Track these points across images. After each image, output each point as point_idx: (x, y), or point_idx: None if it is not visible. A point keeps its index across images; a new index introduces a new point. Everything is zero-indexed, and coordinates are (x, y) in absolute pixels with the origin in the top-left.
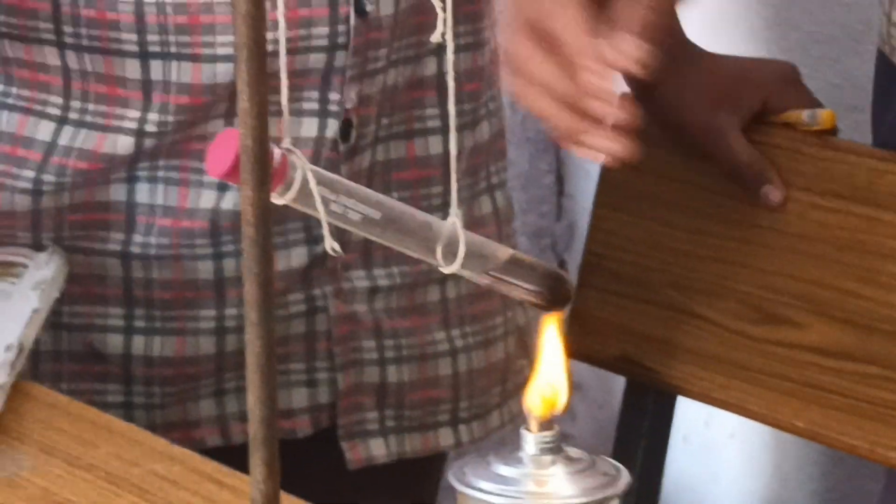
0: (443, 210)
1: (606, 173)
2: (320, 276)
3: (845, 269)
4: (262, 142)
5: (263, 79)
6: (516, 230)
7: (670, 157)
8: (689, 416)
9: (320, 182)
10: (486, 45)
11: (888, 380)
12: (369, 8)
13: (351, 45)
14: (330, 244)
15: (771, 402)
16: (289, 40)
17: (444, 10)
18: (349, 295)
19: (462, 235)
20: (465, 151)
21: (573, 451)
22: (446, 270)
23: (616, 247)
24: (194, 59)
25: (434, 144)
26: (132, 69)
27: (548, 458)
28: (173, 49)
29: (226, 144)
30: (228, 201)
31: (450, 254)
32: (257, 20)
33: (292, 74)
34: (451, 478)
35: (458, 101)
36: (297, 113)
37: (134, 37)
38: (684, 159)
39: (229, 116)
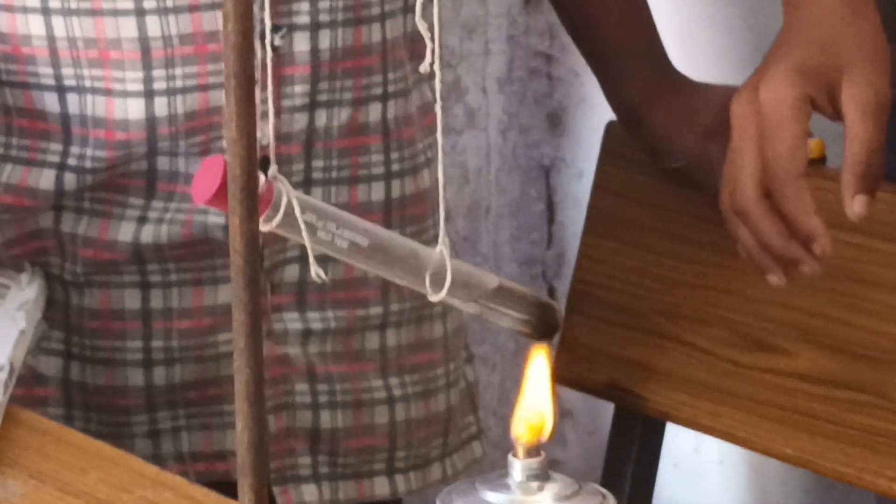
0: None
1: (596, 202)
2: None
3: (834, 296)
4: (250, 171)
5: (252, 109)
6: (506, 257)
7: (659, 186)
8: (679, 442)
9: (307, 209)
10: (412, 92)
11: (877, 407)
12: (277, 42)
13: (259, 79)
14: (315, 270)
15: (760, 429)
16: (198, 76)
17: (433, 40)
18: (281, 336)
19: (449, 264)
20: (406, 199)
21: (560, 478)
22: (434, 298)
23: (605, 274)
24: (107, 93)
25: (377, 191)
26: (51, 103)
27: (535, 484)
28: (87, 83)
29: (211, 171)
30: (147, 234)
31: (437, 282)
32: (245, 51)
33: (210, 112)
34: (439, 503)
35: (398, 148)
36: (220, 150)
37: (49, 70)
38: (673, 187)
39: (151, 155)
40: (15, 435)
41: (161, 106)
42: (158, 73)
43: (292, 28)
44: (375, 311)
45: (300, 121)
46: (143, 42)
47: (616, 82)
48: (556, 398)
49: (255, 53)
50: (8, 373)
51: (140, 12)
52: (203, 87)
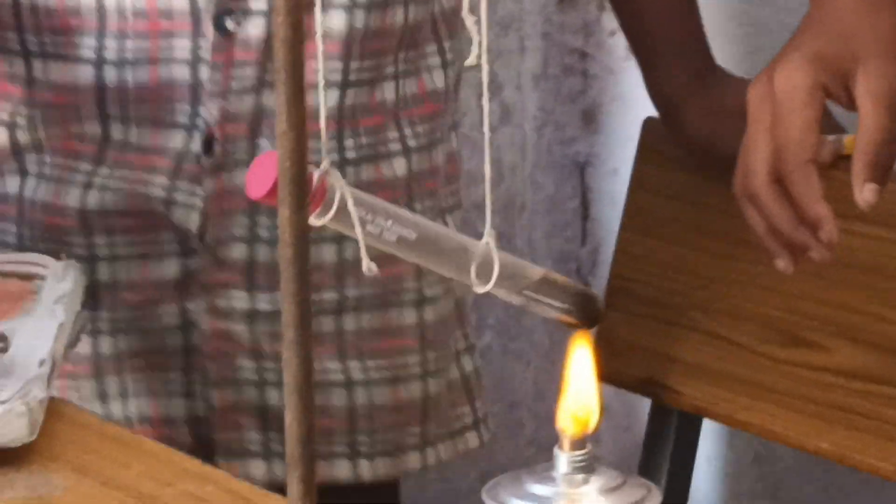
0: (335, 241)
1: (633, 198)
2: (197, 292)
3: (871, 292)
4: (300, 164)
5: (301, 101)
6: (541, 254)
7: (696, 182)
8: (713, 437)
9: (358, 203)
10: (386, 83)
11: None
12: (230, 26)
13: (210, 60)
14: (367, 265)
15: (795, 424)
16: (149, 50)
17: (480, 33)
18: (224, 313)
19: (496, 256)
20: (373, 184)
21: (605, 470)
22: (480, 290)
23: (642, 270)
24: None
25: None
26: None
27: (580, 476)
28: (50, 49)
29: (265, 167)
30: (93, 200)
31: (484, 274)
32: (295, 44)
33: (161, 85)
34: (485, 496)
35: (353, 135)
36: (170, 125)
37: (32, 37)
38: (710, 184)
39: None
40: (57, 429)
41: (111, 75)
42: (109, 42)
43: (247, 13)
44: (329, 296)
45: (248, 102)
46: (101, 12)
47: (658, 74)
48: (602, 389)
49: (201, 34)
50: (50, 367)
51: None
52: (152, 61)
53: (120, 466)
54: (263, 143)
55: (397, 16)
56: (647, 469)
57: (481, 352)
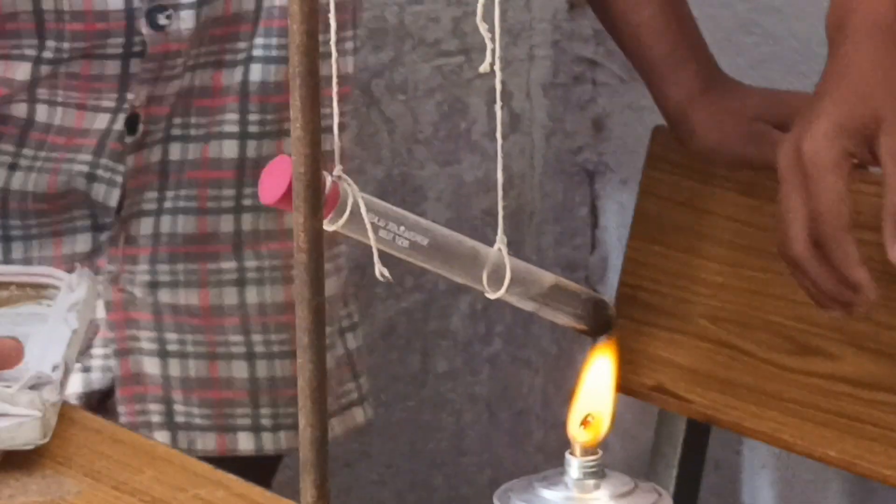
0: (234, 212)
1: (642, 206)
2: (104, 265)
3: (879, 301)
4: (314, 169)
5: (316, 107)
6: (550, 262)
7: (705, 190)
8: (722, 445)
9: (370, 209)
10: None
11: None
12: (163, 22)
13: (147, 54)
14: (379, 270)
15: (804, 432)
16: (84, 49)
17: (493, 39)
18: (127, 283)
19: (507, 262)
20: (262, 160)
21: (616, 476)
22: (492, 296)
23: (650, 278)
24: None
25: (228, 148)
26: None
27: (591, 482)
28: None
29: (278, 172)
30: (17, 181)
31: (496, 279)
32: (311, 50)
33: (91, 77)
34: (497, 501)
35: (260, 111)
36: (95, 109)
37: None
38: (718, 192)
39: (31, 101)
40: (70, 434)
41: (46, 70)
42: (49, 43)
43: (178, 7)
44: (228, 265)
45: (174, 86)
46: (38, 15)
47: (663, 82)
48: (617, 396)
49: (135, 32)
50: (63, 372)
51: None
52: (87, 56)
53: (132, 471)
54: (177, 120)
55: None
56: (655, 476)
57: (489, 360)
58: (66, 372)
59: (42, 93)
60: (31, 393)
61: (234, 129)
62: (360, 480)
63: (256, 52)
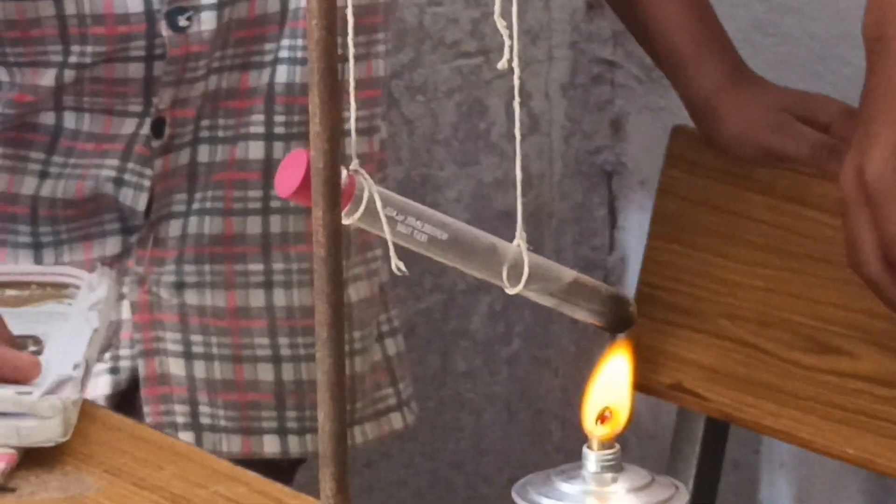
0: (261, 214)
1: (661, 205)
2: (132, 267)
3: None
4: (333, 164)
5: (335, 102)
6: (569, 262)
7: (724, 189)
8: (740, 444)
9: (388, 204)
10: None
11: None
12: (184, 24)
13: (168, 56)
14: (396, 264)
15: (822, 431)
16: (107, 53)
17: (511, 37)
18: (153, 285)
19: (527, 258)
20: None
21: (634, 469)
22: (511, 291)
23: (669, 277)
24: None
25: (255, 149)
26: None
27: (609, 475)
28: (10, 59)
29: (294, 165)
30: (47, 189)
31: (515, 275)
32: (330, 45)
33: (116, 82)
34: (515, 495)
35: (286, 112)
36: (122, 114)
37: None
38: (737, 191)
39: (58, 109)
40: (90, 431)
41: (69, 76)
42: (73, 48)
43: (198, 9)
44: (255, 267)
45: (198, 88)
46: (61, 20)
47: (690, 74)
48: (634, 393)
49: (156, 34)
50: (84, 370)
51: None
52: (110, 61)
53: (152, 468)
54: (205, 122)
55: None
56: (674, 475)
57: (509, 360)
58: (87, 370)
59: (68, 100)
60: (52, 398)
61: (261, 130)
62: (380, 480)
63: (283, 54)
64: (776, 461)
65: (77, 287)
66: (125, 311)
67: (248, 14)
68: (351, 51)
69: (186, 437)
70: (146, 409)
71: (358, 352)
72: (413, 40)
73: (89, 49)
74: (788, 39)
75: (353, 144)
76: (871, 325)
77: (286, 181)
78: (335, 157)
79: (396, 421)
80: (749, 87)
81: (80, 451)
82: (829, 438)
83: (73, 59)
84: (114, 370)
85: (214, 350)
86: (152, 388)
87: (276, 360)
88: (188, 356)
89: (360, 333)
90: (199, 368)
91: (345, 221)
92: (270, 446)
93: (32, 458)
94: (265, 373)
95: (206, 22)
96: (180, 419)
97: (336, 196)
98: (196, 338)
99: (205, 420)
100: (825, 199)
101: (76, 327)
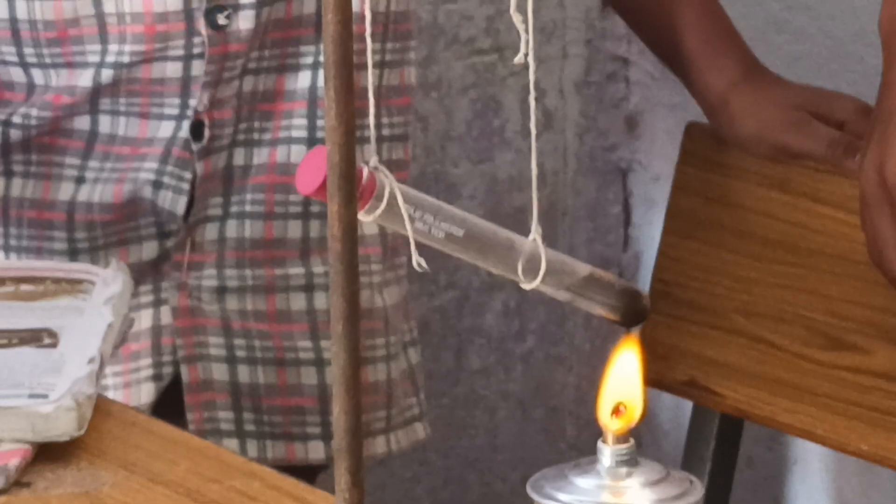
0: (301, 218)
1: (675, 202)
2: (170, 272)
3: None
4: (349, 159)
5: (350, 97)
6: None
7: (738, 186)
8: (755, 440)
9: (407, 200)
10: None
11: None
12: (223, 22)
13: (207, 55)
14: (416, 260)
15: (836, 427)
16: (146, 52)
17: (527, 31)
18: (194, 290)
19: (543, 252)
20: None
21: (649, 464)
22: (527, 286)
23: (684, 274)
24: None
25: (297, 154)
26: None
27: (624, 469)
28: (48, 60)
29: (315, 163)
30: (83, 193)
31: (531, 270)
32: (345, 40)
33: (153, 82)
34: (530, 489)
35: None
36: (159, 116)
37: (13, 49)
38: (751, 188)
39: (94, 112)
40: (105, 426)
41: (107, 76)
42: (111, 47)
43: (237, 7)
44: (295, 271)
45: (233, 87)
46: (100, 18)
47: (702, 71)
48: (647, 387)
49: (195, 33)
50: (98, 365)
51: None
52: (148, 61)
53: (167, 463)
54: (242, 125)
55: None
56: (688, 471)
57: (523, 358)
58: (102, 365)
59: (105, 103)
60: (66, 399)
61: (303, 134)
62: (393, 477)
63: (321, 58)
64: (790, 458)
65: (92, 283)
66: (165, 317)
67: (286, 15)
68: (369, 48)
69: (230, 443)
70: (189, 416)
71: (393, 357)
72: (427, 37)
73: (127, 48)
74: (804, 37)
75: (371, 141)
76: (886, 321)
77: (308, 179)
78: (351, 151)
79: (420, 431)
80: (763, 85)
81: (95, 446)
82: (843, 435)
83: (110, 58)
84: (157, 377)
85: (258, 354)
86: (196, 394)
87: (319, 363)
88: (231, 361)
89: (394, 339)
90: (243, 373)
91: (366, 219)
92: (315, 452)
93: (47, 454)
94: (308, 377)
95: (245, 20)
96: (224, 426)
97: (352, 190)
98: (239, 342)
99: (249, 426)
100: (840, 195)
101: (91, 322)
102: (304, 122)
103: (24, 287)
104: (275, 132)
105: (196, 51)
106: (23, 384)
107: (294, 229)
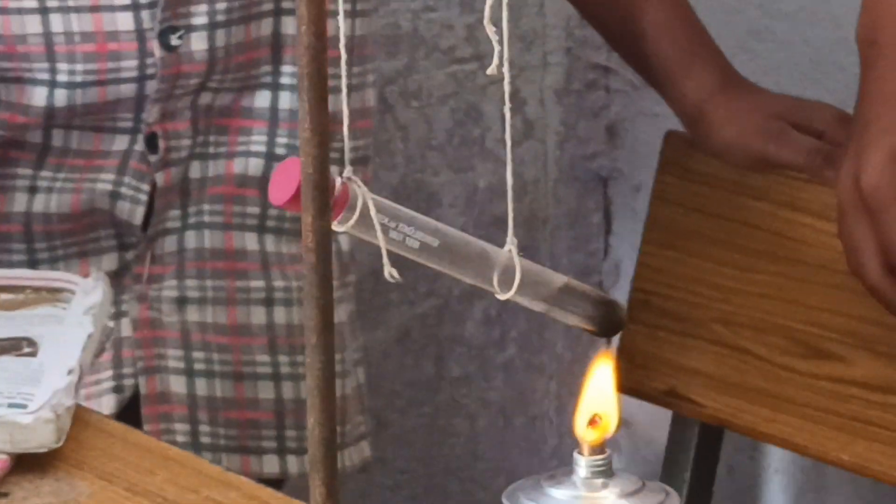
0: (258, 231)
1: (655, 211)
2: (130, 284)
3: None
4: (322, 170)
5: (324, 108)
6: (563, 268)
7: (718, 195)
8: (735, 449)
9: (380, 210)
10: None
11: None
12: (175, 42)
13: (159, 75)
14: (389, 271)
15: (817, 436)
16: (98, 72)
17: (501, 43)
18: (154, 302)
19: (518, 264)
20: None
21: (624, 475)
22: (502, 297)
23: (663, 283)
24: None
25: (254, 167)
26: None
27: (599, 481)
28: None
29: (288, 174)
30: (39, 203)
31: (506, 281)
32: (319, 51)
33: (107, 104)
34: (505, 500)
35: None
36: (112, 130)
37: None
38: (731, 197)
39: (47, 128)
40: (83, 436)
41: (60, 97)
42: (61, 66)
43: (190, 28)
44: (256, 284)
45: (186, 101)
46: (47, 37)
47: (678, 81)
48: (621, 395)
49: (147, 53)
50: (77, 376)
51: (44, 10)
52: (100, 82)
53: (145, 473)
54: (199, 139)
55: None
56: (668, 481)
57: (504, 366)
58: (81, 376)
59: (58, 119)
60: (44, 411)
61: (262, 149)
62: (374, 486)
63: (284, 80)
64: (771, 467)
65: (72, 292)
66: (126, 329)
67: (245, 37)
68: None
69: None
70: (146, 427)
71: (346, 374)
72: (407, 46)
73: (79, 67)
74: (784, 45)
75: (346, 151)
76: (865, 330)
77: (280, 190)
78: (325, 162)
79: (366, 449)
80: (741, 94)
81: (73, 456)
82: (823, 444)
83: (62, 77)
84: (118, 388)
85: (216, 367)
86: (153, 405)
87: (277, 377)
88: (189, 373)
89: (346, 356)
90: (201, 386)
91: (338, 229)
92: (270, 466)
93: (25, 464)
94: (265, 391)
95: (198, 41)
96: (180, 438)
97: (326, 201)
98: (198, 354)
99: (205, 439)
100: (820, 204)
101: (70, 332)
102: (263, 138)
103: (4, 296)
104: (232, 146)
105: (149, 71)
106: (1, 393)
107: (252, 242)
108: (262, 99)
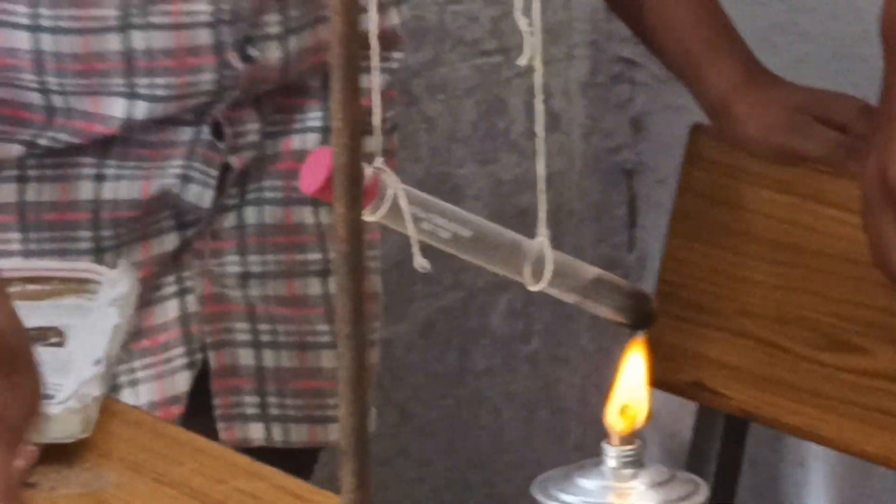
0: (312, 204)
1: (680, 204)
2: (192, 260)
3: None
4: (354, 160)
5: (356, 98)
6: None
7: (743, 188)
8: (759, 442)
9: (411, 201)
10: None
11: None
12: (254, 53)
13: (237, 84)
14: (419, 262)
15: (841, 428)
16: (178, 86)
17: (532, 34)
18: (218, 277)
19: (549, 255)
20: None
21: (654, 465)
22: (534, 288)
23: (689, 275)
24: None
25: (312, 141)
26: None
27: (629, 471)
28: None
29: (319, 163)
30: (107, 191)
31: (537, 272)
32: (351, 41)
33: (185, 113)
34: (534, 491)
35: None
36: (177, 122)
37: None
38: (756, 189)
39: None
40: (111, 427)
41: (140, 110)
42: (140, 80)
43: (267, 38)
44: (314, 256)
45: (251, 98)
46: (127, 55)
47: (703, 74)
48: (652, 389)
49: (226, 66)
50: (105, 366)
51: (124, 28)
52: (178, 97)
53: (172, 463)
54: (265, 122)
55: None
56: (692, 473)
57: (528, 358)
58: (108, 366)
59: (135, 128)
60: (71, 402)
61: (318, 124)
62: (397, 478)
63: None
64: (795, 460)
65: (98, 283)
66: (192, 305)
67: (314, 41)
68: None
69: (256, 428)
70: (216, 401)
71: (373, 343)
72: (433, 39)
73: (159, 81)
74: (807, 38)
75: (377, 142)
76: (890, 322)
77: (310, 178)
78: (357, 152)
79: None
80: (765, 87)
81: (101, 446)
82: (848, 436)
83: (142, 90)
84: (190, 365)
85: (281, 339)
86: (222, 379)
87: (336, 346)
88: (257, 346)
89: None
90: (268, 358)
91: (369, 219)
92: (335, 434)
93: (53, 454)
94: (328, 359)
95: (272, 52)
96: (250, 410)
97: (358, 192)
98: (264, 327)
99: (273, 411)
100: (844, 196)
101: (97, 322)
102: (318, 114)
103: (32, 287)
104: (289, 124)
105: (227, 83)
106: None
107: (308, 215)
108: (315, 78)
